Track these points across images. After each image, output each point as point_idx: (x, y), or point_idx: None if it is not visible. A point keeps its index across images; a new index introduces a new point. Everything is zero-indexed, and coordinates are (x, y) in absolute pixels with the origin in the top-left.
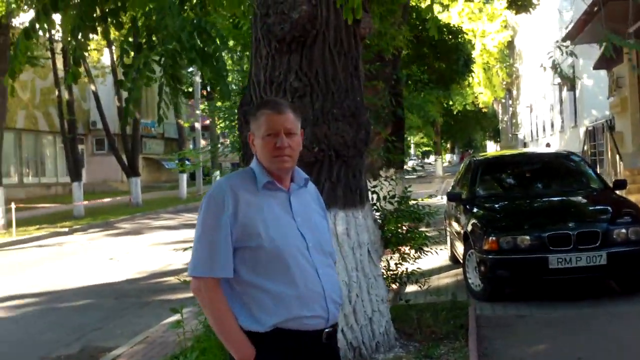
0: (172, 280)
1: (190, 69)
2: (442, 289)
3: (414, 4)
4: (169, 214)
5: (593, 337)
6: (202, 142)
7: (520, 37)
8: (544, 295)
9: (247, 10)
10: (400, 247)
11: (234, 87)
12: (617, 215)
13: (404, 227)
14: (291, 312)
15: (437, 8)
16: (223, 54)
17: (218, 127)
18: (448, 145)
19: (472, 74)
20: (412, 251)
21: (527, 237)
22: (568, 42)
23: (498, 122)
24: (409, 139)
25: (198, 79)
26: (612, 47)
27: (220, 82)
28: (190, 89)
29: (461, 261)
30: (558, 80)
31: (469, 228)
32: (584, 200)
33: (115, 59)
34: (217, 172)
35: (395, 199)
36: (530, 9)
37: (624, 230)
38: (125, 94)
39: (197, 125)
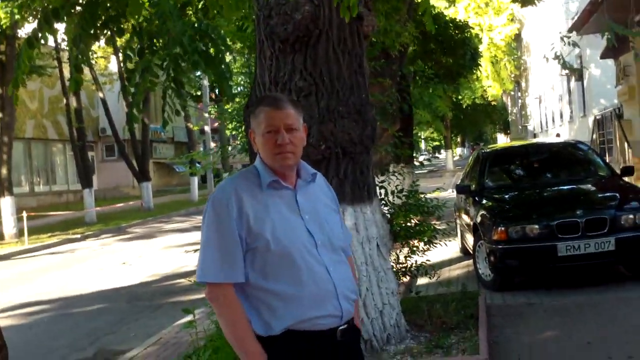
0: (184, 282)
1: (198, 73)
2: (452, 280)
3: (419, 0)
4: (180, 217)
5: (602, 322)
6: (212, 145)
7: (527, 30)
8: (554, 283)
9: (248, 13)
10: (409, 240)
11: (242, 89)
12: (624, 201)
13: (412, 221)
14: (302, 314)
15: (443, 3)
16: (229, 56)
17: (227, 129)
18: (458, 139)
19: (480, 67)
20: (421, 244)
21: (536, 226)
22: (571, 34)
23: (507, 114)
24: (419, 134)
25: (206, 82)
26: (616, 37)
27: (224, 83)
28: (199, 92)
29: (471, 252)
30: (566, 71)
31: (479, 219)
32: (592, 188)
33: (122, 65)
34: (227, 174)
35: (404, 193)
36: (536, 2)
37: (631, 216)
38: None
39: (207, 128)
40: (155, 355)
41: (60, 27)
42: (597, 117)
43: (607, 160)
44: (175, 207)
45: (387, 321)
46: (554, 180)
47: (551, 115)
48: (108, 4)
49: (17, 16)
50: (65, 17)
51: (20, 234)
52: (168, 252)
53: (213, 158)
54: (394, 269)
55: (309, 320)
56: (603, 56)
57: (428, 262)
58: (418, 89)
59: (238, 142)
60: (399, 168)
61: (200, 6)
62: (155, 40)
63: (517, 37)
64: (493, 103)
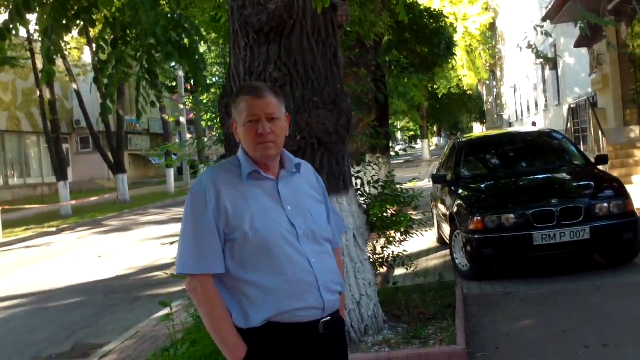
0: (161, 275)
1: (172, 64)
2: (430, 271)
3: None
4: (157, 209)
5: (578, 310)
6: (188, 136)
7: (501, 19)
8: (530, 272)
9: (222, 3)
10: (386, 231)
11: (217, 80)
12: (599, 190)
13: (389, 211)
14: (281, 305)
15: None
16: (203, 46)
17: (203, 120)
18: (434, 129)
19: (455, 57)
20: (398, 234)
21: (512, 216)
22: (544, 22)
23: (483, 103)
24: (395, 124)
25: (181, 73)
26: (589, 26)
27: (199, 74)
28: (174, 83)
29: (448, 242)
30: (540, 60)
31: (455, 209)
32: (567, 177)
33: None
34: (202, 166)
35: (380, 183)
36: None
37: (605, 205)
38: None
39: (182, 119)
40: (133, 349)
41: (32, 17)
42: (572, 106)
43: (582, 149)
44: (151, 199)
45: (364, 312)
46: (529, 170)
47: (526, 104)
48: None
49: None
50: (37, 8)
51: None
52: (144, 245)
53: (189, 150)
54: (371, 260)
55: (289, 312)
56: (577, 45)
57: (405, 253)
58: (393, 79)
59: (214, 134)
60: (375, 158)
61: None
62: (128, 31)
63: (492, 26)
64: (469, 92)
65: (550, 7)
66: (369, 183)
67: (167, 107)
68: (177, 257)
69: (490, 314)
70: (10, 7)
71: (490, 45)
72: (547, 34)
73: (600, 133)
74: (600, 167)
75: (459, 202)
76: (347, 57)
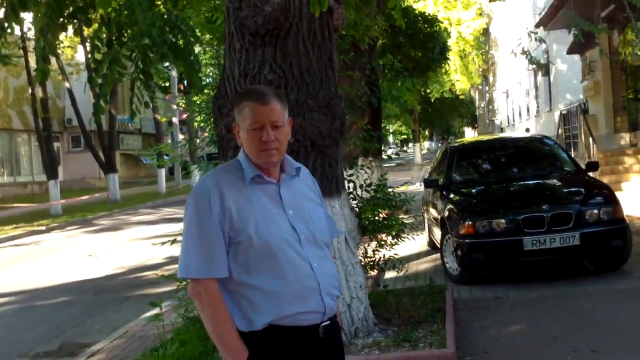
0: (151, 275)
1: (166, 64)
2: (420, 274)
3: None
4: (147, 209)
5: (568, 315)
6: (180, 137)
7: (495, 24)
8: (520, 277)
9: (218, 4)
10: (377, 234)
11: (211, 81)
12: (589, 196)
13: (380, 214)
14: (284, 309)
15: None
16: (198, 48)
17: (196, 121)
18: (426, 133)
19: (448, 61)
20: (389, 238)
21: (503, 221)
22: (538, 29)
23: (475, 108)
24: (387, 127)
25: (175, 74)
26: (582, 32)
27: (193, 75)
28: (167, 84)
29: (439, 246)
30: (533, 66)
31: (446, 213)
32: (558, 183)
33: (89, 55)
34: (195, 167)
35: (372, 187)
36: None
37: (596, 211)
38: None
39: (175, 119)
40: (121, 349)
41: (27, 16)
42: (563, 112)
43: (573, 155)
44: (142, 199)
45: (355, 315)
46: (520, 175)
47: (518, 109)
48: None
49: None
50: (32, 7)
51: None
52: (135, 245)
53: (181, 150)
54: (362, 263)
55: (291, 316)
56: (569, 51)
57: (396, 256)
58: (387, 83)
59: (206, 134)
60: (368, 162)
61: None
62: (123, 31)
63: (485, 32)
64: (461, 97)
65: (543, 13)
66: (361, 186)
67: (159, 108)
68: (180, 260)
69: (480, 318)
70: (5, 5)
71: (484, 50)
72: (541, 40)
73: (590, 139)
74: (591, 174)
75: (450, 206)
76: (341, 61)
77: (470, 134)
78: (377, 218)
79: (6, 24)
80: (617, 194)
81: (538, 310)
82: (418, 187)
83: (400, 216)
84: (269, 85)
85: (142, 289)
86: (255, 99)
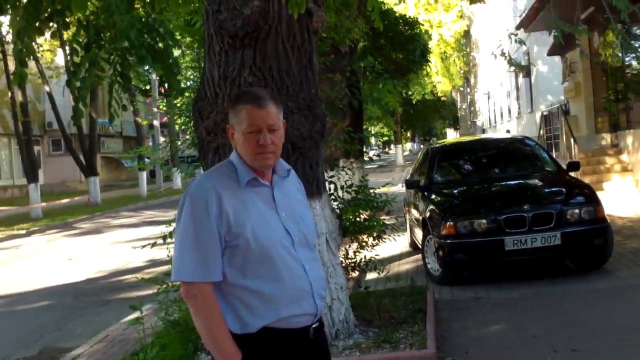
0: (131, 278)
1: (147, 67)
2: (401, 275)
3: None
4: (129, 212)
5: (548, 315)
6: (162, 139)
7: (476, 26)
8: (502, 276)
9: (197, 7)
10: (358, 236)
11: (192, 84)
12: (570, 196)
13: (362, 216)
14: (280, 312)
15: (393, 0)
16: (177, 51)
17: (176, 124)
18: (408, 134)
19: (429, 63)
20: (370, 239)
21: (484, 221)
22: (518, 30)
23: (457, 110)
24: (369, 129)
25: (155, 77)
26: (562, 34)
27: (172, 78)
28: (148, 87)
29: (420, 247)
30: (513, 67)
31: (427, 214)
32: (539, 183)
33: (68, 59)
34: (175, 169)
35: (353, 188)
36: None
37: (577, 211)
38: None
39: (156, 122)
40: (102, 353)
41: (5, 19)
42: (544, 113)
43: (554, 156)
44: (123, 202)
45: (335, 316)
46: (501, 175)
47: (499, 110)
48: None
49: None
50: (9, 10)
51: None
52: (115, 248)
53: (162, 153)
54: (343, 264)
55: (287, 319)
56: (550, 53)
57: (377, 257)
58: (368, 85)
59: (187, 137)
60: (349, 163)
61: (148, 0)
62: (102, 34)
63: (466, 34)
64: (443, 99)
65: (524, 15)
66: (342, 188)
67: (140, 110)
68: (174, 262)
69: (461, 318)
70: None
71: (465, 52)
72: (521, 42)
73: (572, 140)
74: (572, 174)
75: (431, 207)
76: (322, 63)
77: (452, 136)
78: (358, 219)
79: None
80: (599, 193)
81: (519, 310)
82: (400, 188)
83: (382, 217)
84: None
85: (123, 292)
86: (252, 102)
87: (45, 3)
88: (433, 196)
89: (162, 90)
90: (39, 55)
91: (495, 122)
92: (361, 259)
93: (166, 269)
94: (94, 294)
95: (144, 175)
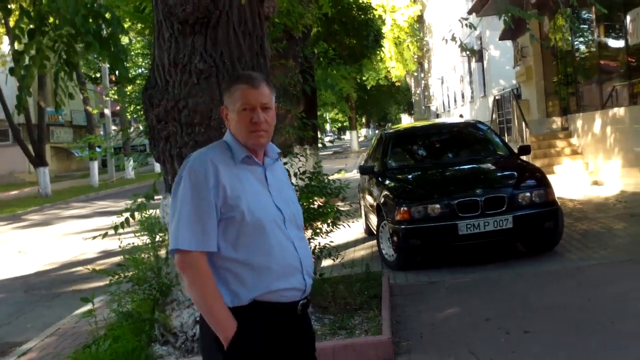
0: (83, 270)
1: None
2: (357, 262)
3: None
4: (80, 202)
5: (500, 297)
6: (113, 128)
7: (429, 11)
8: (455, 261)
9: None
10: (313, 222)
11: (143, 71)
12: (521, 180)
13: (316, 202)
14: (271, 285)
15: None
16: (126, 37)
17: (127, 112)
18: (363, 120)
19: (383, 49)
20: (325, 226)
21: (437, 206)
22: (469, 16)
23: (411, 95)
24: (324, 115)
25: (106, 65)
26: (513, 18)
27: (119, 65)
28: (98, 74)
29: (375, 233)
30: (467, 52)
31: (382, 200)
32: (491, 167)
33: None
34: (125, 158)
35: (307, 175)
36: None
37: (528, 194)
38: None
39: (107, 111)
40: (53, 347)
41: None
42: (497, 97)
43: (506, 140)
44: (74, 193)
45: None
46: (455, 160)
47: (453, 95)
48: None
49: None
50: None
51: None
52: (66, 240)
53: (113, 142)
54: None
55: (276, 292)
56: (502, 37)
57: (332, 244)
58: (321, 70)
59: (140, 126)
60: (303, 150)
61: None
62: (46, 21)
63: (420, 19)
64: (397, 84)
65: (476, 0)
66: (295, 174)
67: (91, 99)
68: (171, 233)
69: (415, 303)
70: None
71: (418, 37)
72: (471, 27)
73: (523, 124)
74: (524, 157)
75: (385, 192)
76: (274, 49)
77: (407, 121)
78: (312, 206)
79: None
80: (550, 176)
81: (472, 293)
82: (355, 174)
83: (336, 204)
84: (200, 74)
85: (74, 284)
86: (246, 82)
87: None
88: (387, 182)
89: (113, 78)
90: None
91: (449, 107)
92: (316, 245)
93: (118, 260)
94: (45, 286)
95: (95, 165)
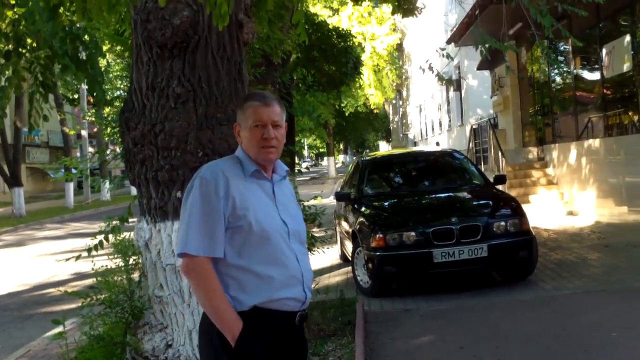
0: (55, 292)
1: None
2: (331, 287)
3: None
4: (54, 224)
5: (474, 326)
6: (90, 150)
7: (409, 40)
8: (430, 288)
9: (125, 16)
10: None
11: (122, 93)
12: (496, 209)
13: None
14: (273, 293)
15: (327, 12)
16: (103, 60)
17: (105, 134)
18: (341, 146)
19: (362, 76)
20: None
21: (413, 233)
22: (448, 45)
23: (389, 122)
24: (302, 141)
25: (85, 86)
26: (490, 49)
27: (97, 88)
28: (76, 96)
29: (350, 259)
30: (444, 81)
31: (357, 226)
32: (467, 196)
33: None
34: (104, 181)
35: None
36: (417, 13)
37: (503, 223)
38: None
39: (84, 132)
40: None
41: None
42: (474, 127)
43: (483, 169)
44: (49, 214)
45: None
46: (430, 188)
47: (431, 123)
48: None
49: None
50: None
51: None
52: (40, 261)
53: (89, 164)
54: None
55: (278, 300)
56: (480, 67)
57: None
58: (299, 97)
59: (117, 148)
60: None
61: (72, 8)
62: (23, 42)
63: (399, 47)
64: (375, 111)
65: (454, 30)
66: None
67: (68, 120)
68: (179, 237)
69: (389, 330)
70: None
71: (397, 65)
72: (448, 57)
73: (500, 153)
74: (500, 187)
75: (361, 219)
76: (253, 74)
77: (384, 148)
78: None
79: None
80: (525, 206)
81: (446, 321)
82: (331, 200)
83: (312, 229)
84: (178, 99)
85: (46, 306)
86: (259, 99)
87: None
88: (363, 209)
89: (91, 100)
90: None
91: (427, 135)
92: None
93: (91, 282)
94: (16, 308)
95: (70, 186)
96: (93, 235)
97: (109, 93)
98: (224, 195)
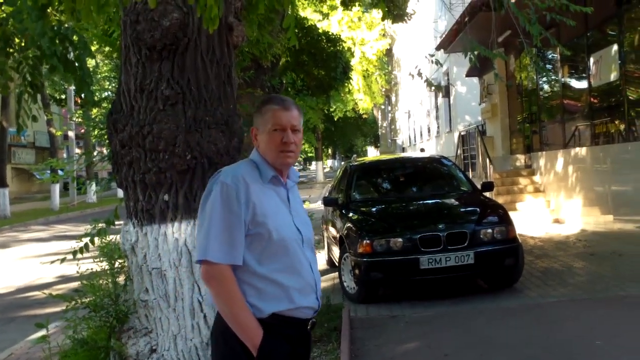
0: (39, 294)
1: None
2: None
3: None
4: (39, 225)
5: (459, 333)
6: (77, 151)
7: (398, 45)
8: (417, 295)
9: (114, 17)
10: None
11: (110, 95)
12: (483, 216)
13: None
14: (293, 301)
15: (317, 16)
16: (92, 61)
17: (92, 136)
18: (329, 151)
19: (351, 81)
20: None
21: (400, 240)
22: (437, 52)
23: (378, 127)
24: None
25: (72, 87)
26: (479, 56)
27: (85, 89)
28: (64, 96)
29: (337, 265)
30: (433, 87)
31: (345, 232)
32: (454, 203)
33: None
34: (90, 182)
35: None
36: (407, 19)
37: (490, 230)
38: None
39: (71, 133)
40: None
41: None
42: (462, 133)
43: (470, 176)
44: (34, 216)
45: None
46: (418, 195)
47: (419, 129)
48: None
49: None
50: None
51: None
52: (24, 263)
53: (76, 165)
54: None
55: (297, 309)
56: (468, 74)
57: None
58: None
59: (104, 150)
60: None
61: (61, 8)
62: (10, 42)
63: (389, 52)
64: (364, 116)
65: (444, 36)
66: None
67: (55, 121)
68: (198, 244)
69: (375, 337)
70: None
71: (387, 70)
72: (437, 63)
73: (487, 160)
74: (487, 194)
75: (349, 225)
76: (242, 78)
77: (373, 153)
78: None
79: None
80: (512, 213)
81: (432, 328)
82: (319, 205)
83: None
84: (166, 101)
85: (30, 309)
86: (278, 103)
87: None
88: (350, 214)
89: (79, 101)
90: None
91: (415, 141)
92: None
93: (76, 285)
94: None
95: (56, 187)
96: (78, 237)
97: (97, 94)
98: (245, 202)
